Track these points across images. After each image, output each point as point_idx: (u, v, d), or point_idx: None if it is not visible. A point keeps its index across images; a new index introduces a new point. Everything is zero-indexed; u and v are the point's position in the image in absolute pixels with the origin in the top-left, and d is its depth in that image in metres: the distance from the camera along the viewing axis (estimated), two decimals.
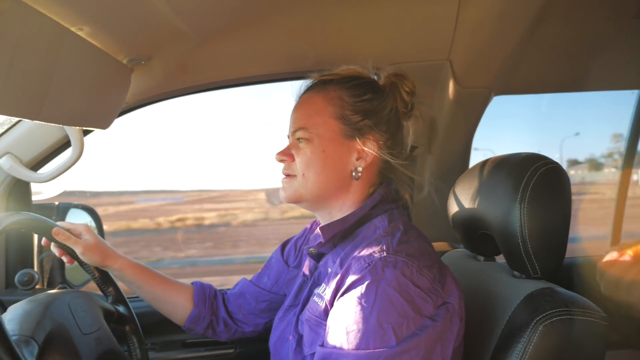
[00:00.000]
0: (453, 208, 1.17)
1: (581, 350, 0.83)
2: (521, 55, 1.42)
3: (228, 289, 1.31)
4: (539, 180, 0.94)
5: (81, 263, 1.17)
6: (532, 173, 0.94)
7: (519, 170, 0.96)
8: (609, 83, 1.74)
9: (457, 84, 1.46)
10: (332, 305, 0.87)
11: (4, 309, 1.00)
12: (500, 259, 1.11)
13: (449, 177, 1.43)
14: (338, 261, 0.92)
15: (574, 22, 1.35)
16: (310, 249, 1.01)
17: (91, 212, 1.61)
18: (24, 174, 1.36)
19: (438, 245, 1.40)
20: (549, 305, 0.85)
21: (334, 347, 0.81)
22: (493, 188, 1.02)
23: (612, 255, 1.32)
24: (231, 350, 1.58)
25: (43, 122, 0.92)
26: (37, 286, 1.41)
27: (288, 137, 1.05)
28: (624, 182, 2.13)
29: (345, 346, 0.79)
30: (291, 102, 1.06)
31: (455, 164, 1.63)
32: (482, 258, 1.17)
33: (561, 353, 0.82)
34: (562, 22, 1.33)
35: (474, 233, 1.12)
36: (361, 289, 0.80)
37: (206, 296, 1.24)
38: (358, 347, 0.77)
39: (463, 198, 1.12)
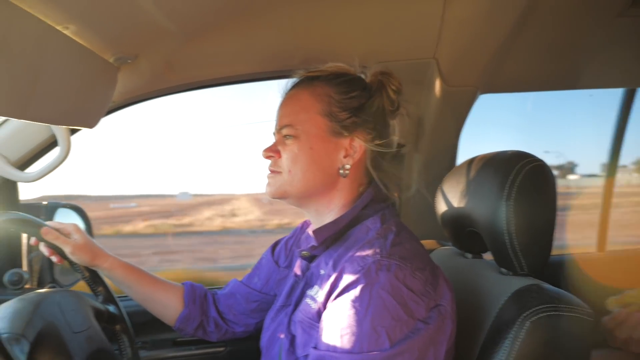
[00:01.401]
0: (441, 206, 1.17)
1: (568, 345, 0.84)
2: (507, 53, 1.43)
3: (218, 289, 1.31)
4: (525, 178, 0.94)
5: (70, 262, 1.16)
6: (518, 170, 0.95)
7: (505, 168, 0.97)
8: (594, 81, 1.76)
9: (443, 83, 1.47)
10: (325, 307, 0.87)
11: None
12: (488, 256, 1.12)
13: (437, 175, 1.44)
14: (331, 263, 0.92)
15: (560, 20, 1.36)
16: (303, 252, 1.01)
17: (79, 211, 1.60)
18: (12, 173, 1.35)
19: (427, 243, 1.41)
20: (535, 301, 0.86)
21: (328, 349, 0.81)
22: (480, 186, 1.03)
23: (617, 312, 1.34)
24: (221, 349, 1.58)
25: (30, 121, 0.91)
26: (27, 286, 1.40)
27: (274, 134, 1.04)
28: (609, 186, 2.15)
29: (339, 349, 0.79)
30: (278, 101, 1.06)
31: (443, 162, 1.64)
32: (470, 255, 1.18)
33: (548, 348, 0.83)
34: (547, 20, 1.34)
35: (462, 231, 1.13)
36: (355, 292, 0.80)
37: (196, 296, 1.24)
38: (352, 350, 0.78)
39: (451, 196, 1.13)
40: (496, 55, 1.40)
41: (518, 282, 0.93)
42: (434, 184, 1.28)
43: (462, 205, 1.08)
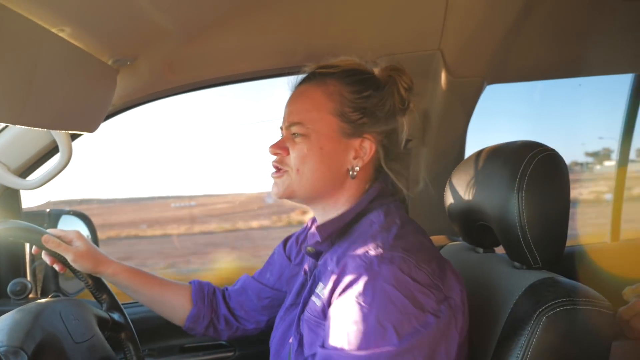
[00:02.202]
0: (450, 200, 1.15)
1: (587, 340, 0.82)
2: (513, 42, 1.40)
3: (229, 286, 1.29)
4: (536, 168, 0.92)
5: (73, 270, 1.15)
6: (528, 161, 0.93)
7: (515, 159, 0.95)
8: (602, 67, 1.73)
9: (449, 74, 1.44)
10: (329, 305, 0.85)
11: None
12: (500, 250, 1.10)
13: (445, 169, 1.42)
14: (335, 259, 0.90)
15: (566, 5, 1.33)
16: (308, 248, 0.99)
17: (84, 218, 1.58)
18: (13, 181, 1.34)
19: (436, 239, 1.38)
20: (551, 295, 0.83)
21: (334, 348, 0.79)
22: (489, 178, 1.01)
23: (633, 302, 1.32)
24: (230, 354, 1.56)
25: (29, 128, 0.90)
26: (31, 295, 1.39)
27: (281, 129, 1.02)
28: (621, 175, 2.12)
29: (346, 347, 0.77)
30: (284, 99, 1.03)
31: (451, 155, 1.61)
32: (481, 250, 1.15)
33: (566, 344, 0.81)
34: (553, 6, 1.31)
35: (472, 225, 1.10)
36: (358, 287, 0.78)
37: (205, 294, 1.22)
38: (359, 348, 0.76)
39: (459, 190, 1.10)
40: (502, 44, 1.37)
41: (532, 276, 0.91)
42: (442, 177, 1.26)
43: (471, 198, 1.05)
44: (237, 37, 1.27)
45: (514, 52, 1.46)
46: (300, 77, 1.03)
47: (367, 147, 0.95)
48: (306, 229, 1.23)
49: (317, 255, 1.00)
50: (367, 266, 0.80)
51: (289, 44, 1.32)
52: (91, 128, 1.17)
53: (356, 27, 1.31)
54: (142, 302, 1.20)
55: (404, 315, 0.76)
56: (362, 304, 0.77)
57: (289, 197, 0.99)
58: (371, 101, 0.95)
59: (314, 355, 0.86)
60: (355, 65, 1.00)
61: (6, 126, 1.30)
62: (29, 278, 1.43)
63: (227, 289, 1.27)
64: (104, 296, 1.18)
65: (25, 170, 1.37)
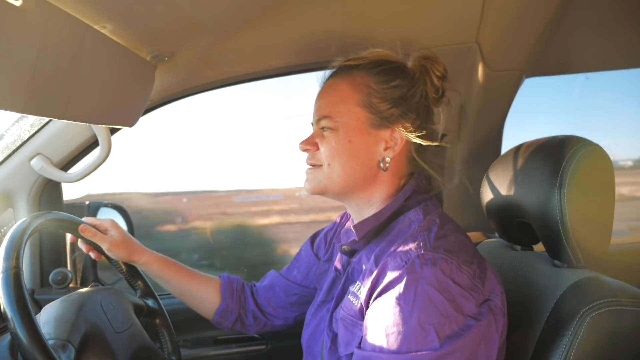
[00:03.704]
0: (487, 196, 1.13)
1: (633, 342, 0.79)
2: (552, 34, 1.36)
3: (257, 282, 1.30)
4: (579, 163, 0.89)
5: (109, 259, 1.19)
6: (571, 156, 0.90)
7: (557, 154, 0.92)
8: None
9: (486, 67, 1.41)
10: (367, 305, 0.84)
11: (40, 308, 1.01)
12: (539, 248, 1.07)
13: (481, 164, 1.39)
14: (372, 258, 0.89)
15: None
16: (344, 247, 0.98)
17: (121, 210, 1.63)
18: (55, 174, 1.38)
19: (472, 236, 1.36)
20: (596, 295, 0.80)
21: (373, 349, 0.78)
22: (529, 174, 0.98)
23: None
24: (262, 347, 1.58)
25: (70, 122, 0.92)
26: (71, 284, 1.43)
27: (312, 124, 1.02)
28: None
29: (386, 349, 0.76)
30: (314, 94, 1.03)
31: (487, 150, 1.58)
32: (519, 247, 1.13)
33: (611, 346, 0.78)
34: None
35: (510, 222, 1.08)
36: (399, 288, 0.77)
37: (233, 289, 1.24)
38: (399, 350, 0.74)
39: (497, 185, 1.08)
40: (541, 36, 1.33)
41: (574, 275, 0.88)
42: (478, 173, 1.23)
43: (510, 194, 1.03)
44: (272, 33, 1.27)
45: (553, 44, 1.41)
46: (329, 71, 1.02)
47: (398, 137, 0.94)
48: (335, 225, 1.23)
49: (351, 253, 0.99)
50: (409, 267, 0.78)
51: (323, 39, 1.31)
52: (130, 123, 1.19)
53: (391, 19, 1.29)
54: (172, 292, 1.22)
55: (445, 318, 0.74)
56: (404, 305, 0.76)
57: (322, 193, 0.98)
58: (401, 90, 0.94)
59: (350, 355, 0.85)
60: (383, 55, 0.98)
61: (49, 120, 1.34)
62: (69, 268, 1.48)
63: (254, 285, 1.28)
64: (139, 282, 1.22)
65: (66, 164, 1.41)
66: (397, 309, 0.76)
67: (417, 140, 0.93)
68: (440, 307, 0.74)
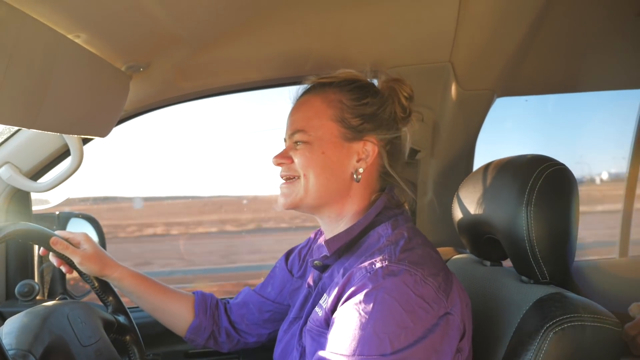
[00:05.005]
0: (458, 212, 1.15)
1: (594, 357, 0.81)
2: (524, 55, 1.40)
3: (230, 298, 1.28)
4: (546, 182, 0.92)
5: (80, 273, 1.15)
6: (538, 175, 0.92)
7: (525, 172, 0.95)
8: (613, 82, 1.72)
9: (459, 86, 1.44)
10: (332, 313, 0.86)
11: (3, 321, 0.98)
12: (507, 264, 1.09)
13: (453, 181, 1.41)
14: (342, 271, 0.91)
15: (577, 20, 1.33)
16: (315, 262, 0.99)
17: (92, 221, 1.60)
18: (24, 183, 1.35)
19: (443, 251, 1.38)
20: (559, 311, 0.82)
21: (330, 351, 0.80)
22: (498, 191, 1.00)
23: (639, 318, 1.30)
24: None
25: (41, 131, 0.90)
26: (38, 297, 1.39)
27: (285, 140, 1.03)
28: (630, 189, 2.10)
29: (341, 351, 0.78)
30: (289, 108, 1.04)
31: (459, 167, 1.61)
32: (488, 263, 1.15)
33: None
34: (565, 20, 1.31)
35: (480, 238, 1.10)
36: (360, 296, 0.79)
37: (207, 306, 1.22)
38: (353, 353, 0.76)
39: (468, 202, 1.10)
40: (513, 57, 1.38)
41: (540, 291, 0.90)
42: (450, 189, 1.26)
43: (480, 211, 1.05)
44: (249, 46, 1.28)
45: (524, 65, 1.46)
46: (301, 89, 1.04)
47: (370, 149, 0.97)
48: (310, 242, 1.23)
49: (323, 268, 1.00)
50: (372, 276, 0.80)
51: (299, 55, 1.33)
52: (103, 133, 1.18)
53: (367, 38, 1.31)
54: (144, 308, 1.20)
55: (401, 328, 0.76)
56: (362, 312, 0.78)
57: (297, 206, 0.99)
58: (371, 108, 0.97)
59: None
60: (353, 75, 1.01)
61: (19, 129, 1.31)
62: (36, 280, 1.44)
63: (228, 302, 1.27)
64: (110, 298, 1.19)
65: (36, 173, 1.38)
66: (356, 315, 0.78)
67: (387, 155, 0.97)
68: (397, 318, 0.76)
